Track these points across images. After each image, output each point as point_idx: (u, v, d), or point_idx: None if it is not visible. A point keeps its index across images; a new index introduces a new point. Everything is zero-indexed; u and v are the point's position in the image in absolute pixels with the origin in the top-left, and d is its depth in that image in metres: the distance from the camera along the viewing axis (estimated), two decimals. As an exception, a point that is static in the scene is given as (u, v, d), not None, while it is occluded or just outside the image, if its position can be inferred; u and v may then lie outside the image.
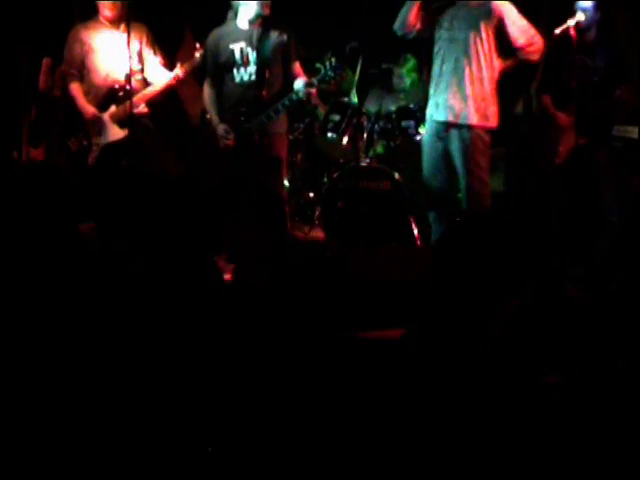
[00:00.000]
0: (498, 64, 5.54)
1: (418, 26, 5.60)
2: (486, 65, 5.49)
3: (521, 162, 6.43)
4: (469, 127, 5.47)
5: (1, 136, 6.14)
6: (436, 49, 5.62)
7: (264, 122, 5.49)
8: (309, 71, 5.69)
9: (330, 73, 5.39)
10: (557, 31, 5.57)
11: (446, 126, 5.55)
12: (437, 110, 5.60)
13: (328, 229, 6.38)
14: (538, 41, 5.51)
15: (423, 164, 5.75)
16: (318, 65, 5.56)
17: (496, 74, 5.55)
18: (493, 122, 5.56)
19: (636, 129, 5.83)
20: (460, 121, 5.48)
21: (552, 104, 5.78)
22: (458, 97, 5.48)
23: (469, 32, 5.46)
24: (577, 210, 5.78)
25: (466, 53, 5.46)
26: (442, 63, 5.56)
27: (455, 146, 5.51)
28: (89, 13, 6.17)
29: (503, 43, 5.52)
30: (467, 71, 5.45)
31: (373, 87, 7.28)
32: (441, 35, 5.59)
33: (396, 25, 5.66)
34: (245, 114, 5.50)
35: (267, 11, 5.53)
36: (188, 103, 7.08)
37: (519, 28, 5.49)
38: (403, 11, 5.56)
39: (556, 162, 5.73)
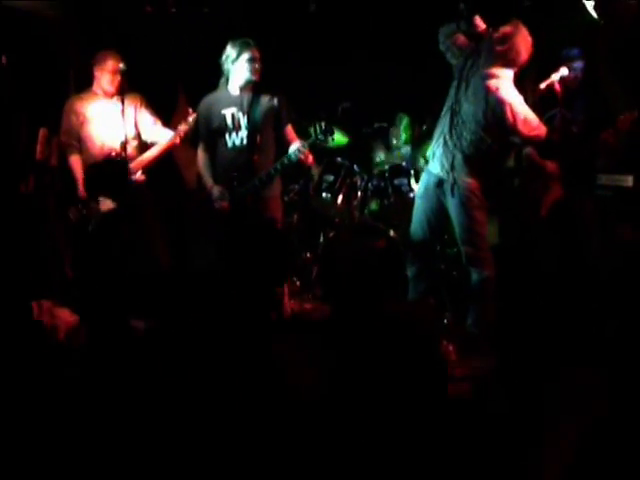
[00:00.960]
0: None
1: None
2: (484, 130, 5.31)
3: (513, 215, 6.49)
4: (463, 182, 5.36)
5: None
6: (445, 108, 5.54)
7: (257, 186, 5.57)
8: (301, 133, 5.79)
9: (320, 137, 5.48)
10: (542, 86, 5.66)
11: (440, 180, 5.47)
12: (433, 162, 5.55)
13: (326, 288, 6.44)
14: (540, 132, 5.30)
15: (413, 216, 5.73)
16: (309, 128, 5.64)
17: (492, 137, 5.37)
18: (487, 178, 5.44)
19: (630, 177, 5.90)
20: (455, 176, 5.38)
21: (537, 155, 5.85)
22: (453, 152, 5.38)
23: (476, 102, 5.31)
24: (565, 260, 5.81)
25: (468, 116, 5.33)
26: (443, 118, 5.51)
27: (450, 201, 5.43)
28: (84, 83, 6.30)
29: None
30: (465, 132, 5.34)
31: (368, 146, 7.37)
32: (452, 90, 5.52)
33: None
34: (237, 178, 5.57)
35: (257, 77, 5.62)
36: (184, 167, 7.19)
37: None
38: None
39: (541, 213, 5.78)
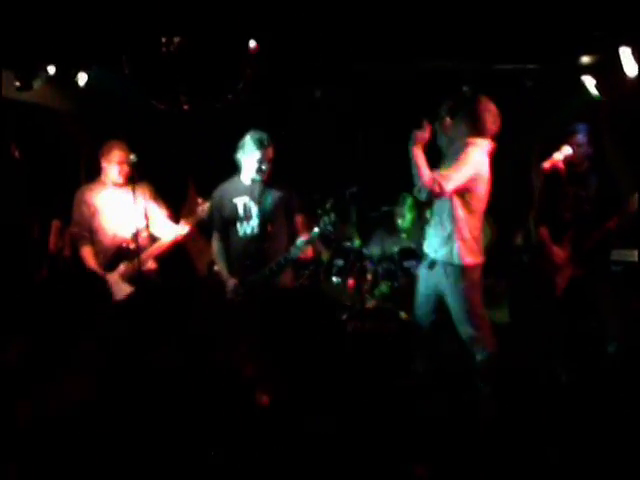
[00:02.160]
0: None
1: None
2: (469, 208, 5.24)
3: (523, 293, 6.48)
4: (455, 265, 5.23)
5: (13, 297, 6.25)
6: None
7: (267, 276, 5.62)
8: (310, 216, 5.85)
9: (329, 228, 5.53)
10: (546, 165, 5.68)
11: (433, 261, 5.37)
12: (426, 242, 5.49)
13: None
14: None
15: (415, 299, 5.65)
16: (319, 212, 5.68)
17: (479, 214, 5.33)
18: (478, 257, 5.29)
19: (635, 252, 5.91)
20: (445, 259, 5.27)
21: (549, 237, 5.84)
22: (443, 235, 5.28)
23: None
24: (580, 340, 5.78)
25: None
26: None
27: (443, 284, 5.31)
28: (95, 174, 6.35)
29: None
30: (454, 212, 5.22)
31: (374, 230, 7.43)
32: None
33: (422, 194, 5.29)
34: (249, 267, 5.63)
35: (264, 178, 5.71)
36: (195, 256, 7.24)
37: None
38: (413, 172, 5.33)
39: (555, 294, 5.76)
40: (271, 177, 5.77)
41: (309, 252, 5.71)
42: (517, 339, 6.17)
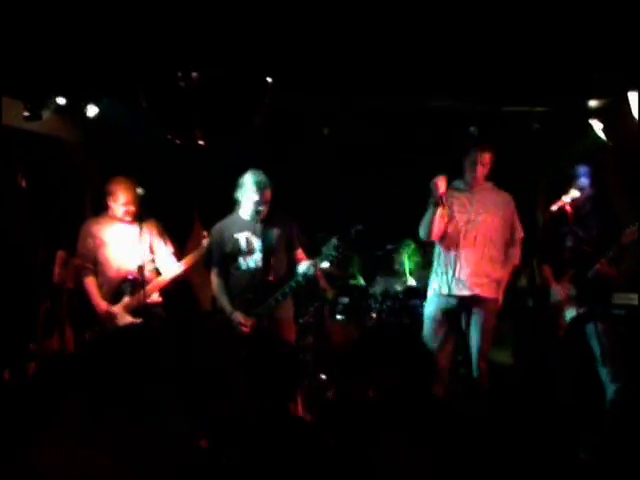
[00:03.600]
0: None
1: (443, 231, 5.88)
2: (501, 246, 5.83)
3: (527, 334, 6.46)
4: (488, 300, 5.78)
5: (17, 327, 6.21)
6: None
7: (272, 306, 5.59)
8: (315, 255, 5.84)
9: (333, 252, 5.51)
10: (554, 207, 5.69)
11: (464, 300, 5.78)
12: (455, 285, 5.79)
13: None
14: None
15: (427, 337, 5.89)
16: (324, 248, 5.67)
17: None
18: (502, 293, 5.84)
19: (636, 296, 5.88)
20: (482, 295, 5.75)
21: (552, 276, 5.87)
22: (479, 273, 5.76)
23: (490, 216, 5.83)
24: (583, 380, 5.75)
25: (486, 234, 5.80)
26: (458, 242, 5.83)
27: (474, 318, 5.78)
28: (101, 205, 6.36)
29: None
30: (486, 250, 5.78)
31: (379, 268, 7.42)
32: (454, 216, 5.88)
33: (421, 233, 5.95)
34: (253, 300, 5.60)
35: (259, 219, 5.72)
36: (198, 289, 7.22)
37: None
38: (426, 221, 5.86)
39: (559, 334, 5.74)
40: (271, 212, 5.77)
41: (318, 275, 5.74)
42: (520, 380, 6.17)
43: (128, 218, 6.18)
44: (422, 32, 5.62)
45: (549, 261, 5.92)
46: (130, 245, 6.15)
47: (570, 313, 5.69)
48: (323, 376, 6.87)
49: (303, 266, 5.63)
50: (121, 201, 6.13)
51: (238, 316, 5.62)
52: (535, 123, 6.84)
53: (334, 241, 5.51)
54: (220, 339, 5.80)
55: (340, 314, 6.81)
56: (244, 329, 5.56)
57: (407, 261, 7.23)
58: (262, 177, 5.65)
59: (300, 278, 5.59)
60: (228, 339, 5.68)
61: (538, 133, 6.87)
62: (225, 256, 5.77)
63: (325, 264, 5.63)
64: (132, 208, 6.13)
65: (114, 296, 6.17)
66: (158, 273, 6.28)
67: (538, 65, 5.90)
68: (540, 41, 5.63)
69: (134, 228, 6.07)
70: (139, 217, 5.94)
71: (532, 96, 6.49)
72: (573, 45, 5.64)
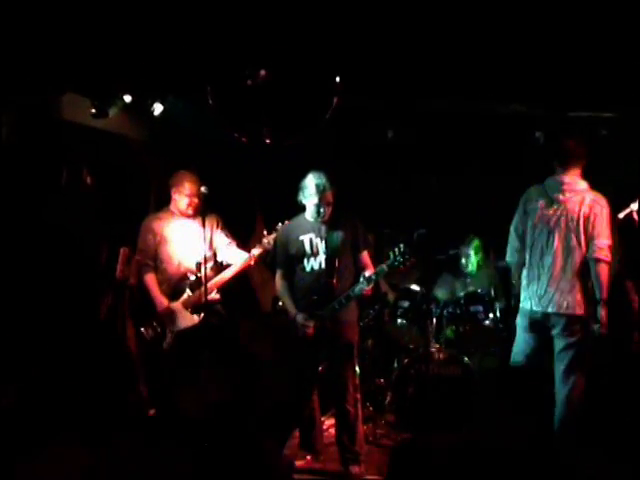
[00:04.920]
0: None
1: None
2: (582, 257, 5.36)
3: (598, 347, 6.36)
4: (576, 317, 5.35)
5: (80, 322, 6.28)
6: (529, 241, 5.57)
7: (336, 309, 5.56)
8: (380, 254, 5.80)
9: (399, 258, 5.45)
10: (620, 215, 5.61)
11: (550, 316, 5.43)
12: (538, 301, 5.48)
13: (399, 415, 6.37)
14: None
15: (517, 356, 5.71)
16: (390, 253, 5.61)
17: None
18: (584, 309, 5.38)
19: None
20: (568, 312, 5.35)
21: (634, 289, 5.74)
22: (563, 288, 5.37)
23: (568, 227, 5.40)
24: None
25: (568, 246, 5.38)
26: (541, 254, 5.48)
27: (561, 339, 5.43)
28: (164, 203, 6.40)
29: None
30: (570, 262, 5.37)
31: (441, 273, 7.37)
32: (535, 226, 5.54)
33: (509, 258, 5.74)
34: (317, 302, 5.58)
35: (322, 220, 5.68)
36: (259, 289, 7.23)
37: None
38: (512, 243, 5.69)
39: (633, 348, 5.63)
40: (336, 213, 5.73)
41: (369, 290, 5.67)
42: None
43: (190, 211, 6.21)
44: (489, 36, 5.58)
45: (632, 274, 5.77)
46: (191, 242, 6.17)
47: None
48: (382, 380, 6.86)
49: (362, 280, 5.58)
50: (186, 192, 6.16)
51: (301, 317, 5.61)
52: (603, 129, 6.75)
53: (401, 246, 5.46)
54: (282, 339, 5.82)
55: (400, 318, 6.76)
56: (307, 330, 5.55)
57: (474, 255, 7.15)
58: (323, 179, 5.62)
59: (358, 289, 5.54)
60: (290, 339, 5.68)
61: (606, 139, 6.78)
62: (290, 258, 5.75)
63: (391, 269, 5.56)
64: (196, 200, 6.15)
65: (174, 293, 6.19)
66: (218, 270, 6.26)
67: (607, 70, 5.82)
68: (608, 46, 5.56)
69: (195, 224, 6.11)
70: (202, 214, 5.89)
71: (601, 101, 6.39)
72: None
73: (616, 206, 5.76)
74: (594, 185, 6.05)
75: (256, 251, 6.13)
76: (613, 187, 6.74)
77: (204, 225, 5.79)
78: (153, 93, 6.42)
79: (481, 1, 5.24)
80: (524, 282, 5.59)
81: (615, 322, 5.65)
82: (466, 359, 6.30)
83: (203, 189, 5.77)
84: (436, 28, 5.52)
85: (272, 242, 5.98)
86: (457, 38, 5.61)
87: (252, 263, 6.18)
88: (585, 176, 5.54)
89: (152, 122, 6.71)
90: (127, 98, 6.31)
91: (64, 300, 6.23)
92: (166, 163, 6.82)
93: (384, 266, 5.50)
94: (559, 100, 6.38)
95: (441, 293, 7.14)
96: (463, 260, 7.23)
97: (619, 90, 6.06)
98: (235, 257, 6.27)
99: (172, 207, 6.31)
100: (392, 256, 5.46)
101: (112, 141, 6.78)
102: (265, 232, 6.13)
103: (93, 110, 6.26)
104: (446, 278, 7.34)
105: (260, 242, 6.12)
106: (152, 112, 6.48)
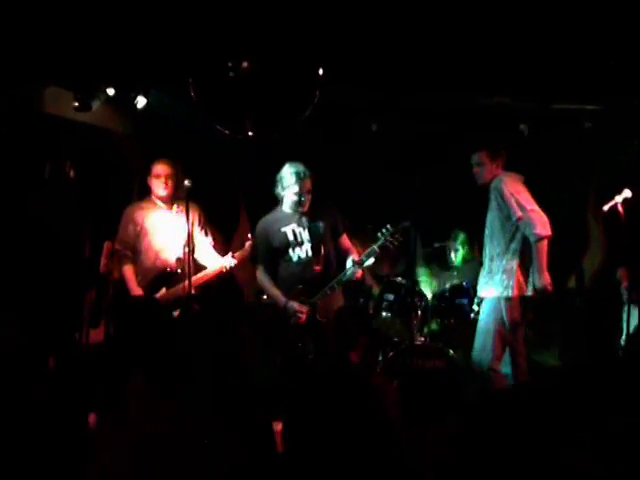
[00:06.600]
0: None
1: None
2: (500, 240, 5.72)
3: (576, 336, 6.37)
4: (501, 299, 5.70)
5: (63, 317, 6.23)
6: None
7: (327, 294, 5.60)
8: (370, 239, 5.81)
9: (389, 238, 5.50)
10: (605, 208, 5.60)
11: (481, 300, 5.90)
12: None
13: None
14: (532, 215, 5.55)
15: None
16: (378, 234, 5.62)
17: (514, 247, 5.67)
18: (516, 291, 5.65)
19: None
20: (489, 295, 5.79)
21: (627, 278, 5.77)
22: (485, 273, 5.83)
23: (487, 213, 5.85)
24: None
25: (486, 232, 5.86)
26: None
27: (490, 318, 5.74)
28: (147, 196, 6.37)
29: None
30: (488, 248, 5.84)
31: (426, 266, 7.37)
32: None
33: None
34: (305, 290, 5.60)
35: (302, 210, 5.72)
36: (244, 283, 7.20)
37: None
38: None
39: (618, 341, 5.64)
40: (314, 202, 5.77)
41: (361, 274, 5.74)
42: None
43: (165, 193, 6.18)
44: (471, 28, 5.58)
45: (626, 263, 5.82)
46: (171, 234, 6.15)
47: None
48: (366, 373, 6.85)
49: (348, 264, 5.62)
50: (157, 172, 6.17)
51: (294, 305, 5.61)
52: (587, 122, 6.75)
53: (388, 227, 5.50)
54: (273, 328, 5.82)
55: (385, 311, 6.75)
56: (301, 317, 5.55)
57: (461, 248, 7.16)
58: (301, 167, 5.65)
59: (346, 275, 5.58)
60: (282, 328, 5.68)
61: (590, 132, 6.78)
62: (273, 250, 5.77)
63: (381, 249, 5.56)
64: (170, 183, 6.14)
65: (151, 287, 6.16)
66: (196, 267, 6.18)
67: (591, 62, 5.82)
68: (592, 38, 5.56)
69: (176, 216, 6.09)
70: (185, 207, 5.78)
71: (584, 94, 6.39)
72: (626, 43, 5.56)
73: (601, 198, 5.75)
74: (578, 178, 6.07)
75: (238, 254, 6.10)
76: (596, 179, 6.79)
77: (186, 217, 5.73)
78: (136, 86, 6.37)
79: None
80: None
81: (604, 314, 5.73)
82: (451, 352, 6.29)
83: (187, 182, 5.70)
84: (420, 21, 5.53)
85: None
86: (440, 31, 5.61)
87: (230, 267, 6.13)
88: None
89: (135, 115, 6.67)
90: (110, 91, 6.26)
91: (47, 295, 6.20)
92: (150, 157, 6.77)
93: (375, 247, 5.54)
94: (543, 92, 6.37)
95: (432, 285, 7.16)
96: (452, 254, 7.24)
97: (603, 83, 6.06)
98: (211, 261, 6.22)
99: (153, 196, 6.28)
100: (381, 236, 5.49)
101: (95, 135, 6.73)
102: (250, 235, 6.10)
103: (76, 103, 6.20)
104: (438, 268, 7.35)
105: (245, 238, 6.14)
106: (135, 105, 6.44)
